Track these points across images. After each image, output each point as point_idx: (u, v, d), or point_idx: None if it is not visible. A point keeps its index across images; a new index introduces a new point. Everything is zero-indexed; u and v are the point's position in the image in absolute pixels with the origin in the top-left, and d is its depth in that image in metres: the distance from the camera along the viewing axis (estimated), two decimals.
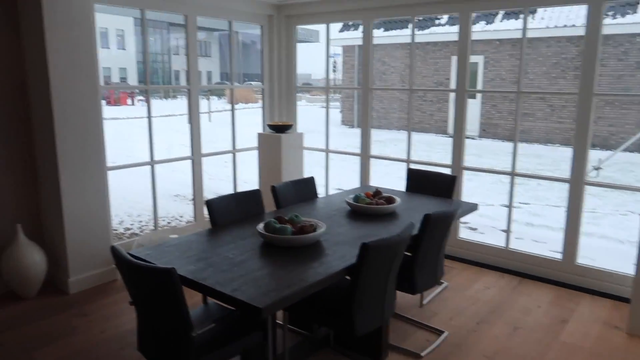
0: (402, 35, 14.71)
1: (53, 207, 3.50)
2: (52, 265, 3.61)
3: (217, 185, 7.54)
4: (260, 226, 2.48)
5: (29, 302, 3.39)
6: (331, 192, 5.23)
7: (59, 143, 3.34)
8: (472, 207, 3.20)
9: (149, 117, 4.25)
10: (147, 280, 1.90)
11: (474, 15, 3.94)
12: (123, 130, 14.73)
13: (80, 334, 2.98)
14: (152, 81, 4.88)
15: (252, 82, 30.66)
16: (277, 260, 2.25)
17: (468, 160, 4.15)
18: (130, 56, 35.32)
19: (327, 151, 5.11)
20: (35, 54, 3.32)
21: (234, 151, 5.08)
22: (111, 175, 3.79)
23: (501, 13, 13.14)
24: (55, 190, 3.42)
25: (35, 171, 3.61)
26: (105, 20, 30.97)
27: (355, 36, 15.53)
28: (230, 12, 4.71)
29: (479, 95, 14.01)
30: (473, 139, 13.55)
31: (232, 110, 5.08)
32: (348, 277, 2.20)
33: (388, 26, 15.17)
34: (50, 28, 3.20)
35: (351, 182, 6.86)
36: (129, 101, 24.83)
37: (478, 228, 5.51)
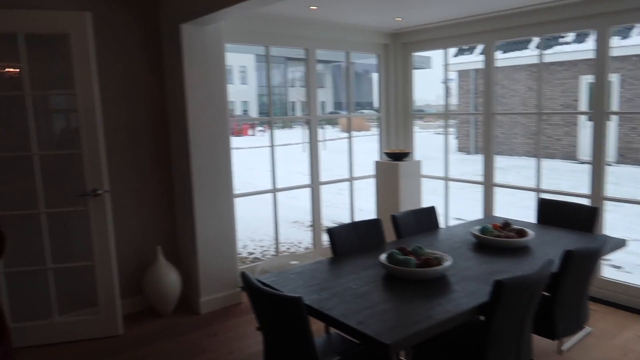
0: (522, 57, 13.94)
1: (188, 231, 3.79)
2: (186, 285, 3.88)
3: (334, 212, 7.65)
4: (383, 257, 2.43)
5: (166, 319, 3.67)
6: (451, 222, 5.02)
7: (194, 172, 3.63)
8: (620, 243, 2.85)
9: (272, 146, 4.46)
10: (274, 307, 1.95)
11: (612, 29, 3.59)
12: (244, 159, 15.71)
13: (210, 353, 3.14)
14: (273, 113, 5.23)
15: (363, 111, 31.07)
16: (401, 293, 2.17)
17: (607, 189, 3.72)
18: (252, 90, 37.96)
19: (446, 179, 4.94)
20: (175, 91, 3.67)
21: (351, 179, 5.13)
22: (236, 202, 4.02)
23: (638, 26, 11.90)
24: (190, 215, 3.71)
25: (173, 198, 3.95)
26: (231, 59, 33.66)
27: (470, 60, 15.05)
28: (348, 43, 4.83)
29: (614, 117, 12.69)
30: (609, 165, 12.24)
31: (350, 138, 5.15)
32: (479, 317, 2.05)
33: (506, 48, 14.50)
34: (189, 67, 3.54)
35: (471, 212, 6.54)
36: (250, 132, 26.56)
37: (623, 266, 4.90)
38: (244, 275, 2.07)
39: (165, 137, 3.88)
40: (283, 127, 30.85)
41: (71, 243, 3.44)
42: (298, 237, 6.39)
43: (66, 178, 3.39)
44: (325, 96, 42.29)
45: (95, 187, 3.21)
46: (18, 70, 3.14)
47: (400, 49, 5.12)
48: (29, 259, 3.24)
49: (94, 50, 3.16)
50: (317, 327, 2.89)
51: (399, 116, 5.27)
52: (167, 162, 3.90)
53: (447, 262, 2.35)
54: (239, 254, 5.39)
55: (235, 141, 4.08)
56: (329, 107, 42.15)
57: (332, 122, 30.99)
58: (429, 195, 6.14)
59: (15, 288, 3.23)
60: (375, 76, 5.34)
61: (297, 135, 22.04)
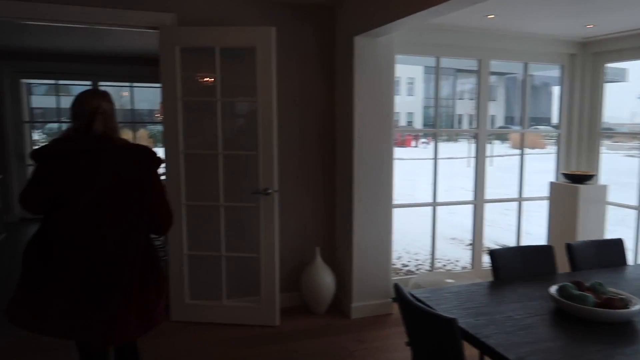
0: None
1: (345, 236, 3.90)
2: (340, 288, 3.99)
3: (497, 233, 7.16)
4: (554, 289, 2.18)
5: (318, 318, 3.81)
6: None
7: (356, 179, 3.72)
8: None
9: (435, 159, 4.34)
10: (427, 325, 1.87)
11: None
12: (405, 170, 15.64)
13: (357, 359, 3.17)
14: (438, 125, 5.11)
15: (538, 127, 28.54)
16: (573, 333, 1.91)
17: None
18: (418, 102, 37.72)
19: (639, 209, 4.25)
20: (344, 100, 3.81)
21: (520, 199, 4.73)
22: (394, 213, 3.99)
23: None
24: (349, 221, 3.80)
25: (334, 202, 4.10)
26: (399, 70, 33.93)
27: None
28: (527, 54, 4.47)
29: None
30: None
31: (521, 155, 4.76)
32: None
33: None
34: (359, 78, 3.64)
35: None
36: (412, 143, 26.40)
37: None
38: (397, 287, 2.03)
39: (332, 144, 4.04)
40: (448, 140, 30.00)
41: (242, 235, 3.79)
42: (455, 254, 6.11)
43: (243, 176, 3.75)
44: (495, 110, 39.98)
45: (266, 186, 3.50)
46: (212, 79, 3.59)
47: (589, 59, 4.57)
48: (207, 245, 3.66)
49: (275, 62, 3.44)
50: (470, 353, 2.72)
51: (582, 134, 4.70)
52: (331, 168, 4.07)
53: (637, 306, 2.01)
54: (393, 264, 5.35)
55: (397, 152, 4.07)
56: (499, 122, 39.70)
57: (502, 138, 29.12)
58: (616, 226, 5.35)
59: (194, 269, 3.68)
60: (556, 89, 4.84)
61: (462, 149, 21.21)
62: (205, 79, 3.71)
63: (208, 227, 3.68)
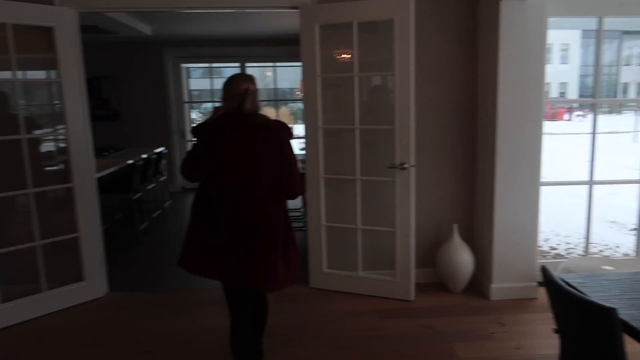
0: None
1: (485, 213, 3.71)
2: (478, 268, 3.83)
3: None
4: None
5: (454, 297, 3.71)
6: None
7: (499, 153, 3.49)
8: None
9: (593, 133, 3.88)
10: (580, 314, 1.71)
11: None
12: (556, 146, 14.26)
13: (496, 342, 3.04)
14: (599, 95, 4.47)
15: None
16: None
17: None
18: (573, 70, 33.82)
19: None
20: (487, 70, 3.57)
21: None
22: (542, 191, 3.67)
23: None
24: (489, 198, 3.60)
25: (474, 178, 3.90)
26: (551, 36, 30.77)
27: None
28: None
29: None
30: None
31: None
32: None
33: None
34: (505, 45, 3.36)
35: None
36: (565, 116, 23.91)
37: None
38: (544, 271, 1.88)
39: (472, 117, 3.84)
40: (610, 112, 26.57)
41: (377, 209, 3.82)
42: (615, 240, 5.44)
43: (379, 151, 3.75)
44: None
45: (402, 161, 3.46)
46: (349, 55, 3.61)
47: None
48: (343, 217, 3.76)
49: (414, 33, 3.34)
50: (632, 348, 2.44)
51: None
52: (471, 143, 3.87)
53: None
54: (539, 246, 4.96)
55: (547, 126, 3.71)
56: None
57: None
58: None
59: (331, 240, 3.82)
60: None
61: (626, 122, 18.64)
62: (342, 55, 3.76)
63: (344, 200, 3.78)
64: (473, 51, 3.76)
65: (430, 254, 3.91)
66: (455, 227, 3.78)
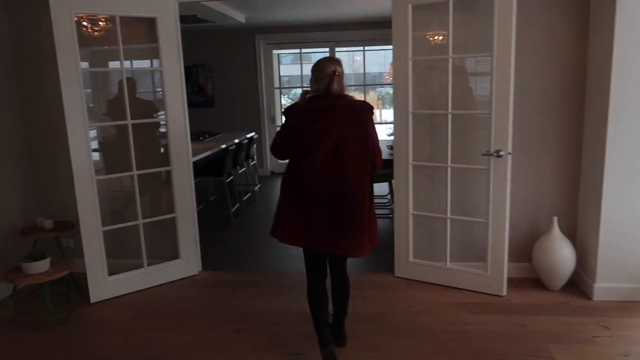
0: None
1: (591, 206, 3.40)
2: (580, 265, 3.54)
3: None
4: None
5: (551, 294, 3.47)
6: None
7: (610, 142, 3.16)
8: None
9: None
10: None
11: None
12: None
13: (598, 346, 2.79)
14: None
15: None
16: None
17: None
18: None
19: None
20: (600, 49, 3.23)
21: None
22: None
23: None
24: (597, 190, 3.29)
25: (579, 168, 3.59)
26: None
27: None
28: None
29: None
30: None
31: None
32: None
33: None
34: (622, 17, 3.01)
35: None
36: None
37: None
38: None
39: (579, 101, 3.51)
40: None
41: (468, 199, 3.65)
42: None
43: (472, 137, 3.56)
44: None
45: (498, 148, 3.26)
46: (441, 37, 3.45)
47: None
48: (432, 206, 3.64)
49: (516, 9, 3.11)
50: None
51: None
52: (577, 129, 3.55)
53: None
54: None
55: None
56: None
57: None
58: None
59: (418, 229, 3.72)
60: None
61: None
62: (435, 37, 3.60)
63: (433, 188, 3.65)
64: (582, 28, 3.42)
65: (525, 247, 3.67)
66: (555, 219, 3.50)
